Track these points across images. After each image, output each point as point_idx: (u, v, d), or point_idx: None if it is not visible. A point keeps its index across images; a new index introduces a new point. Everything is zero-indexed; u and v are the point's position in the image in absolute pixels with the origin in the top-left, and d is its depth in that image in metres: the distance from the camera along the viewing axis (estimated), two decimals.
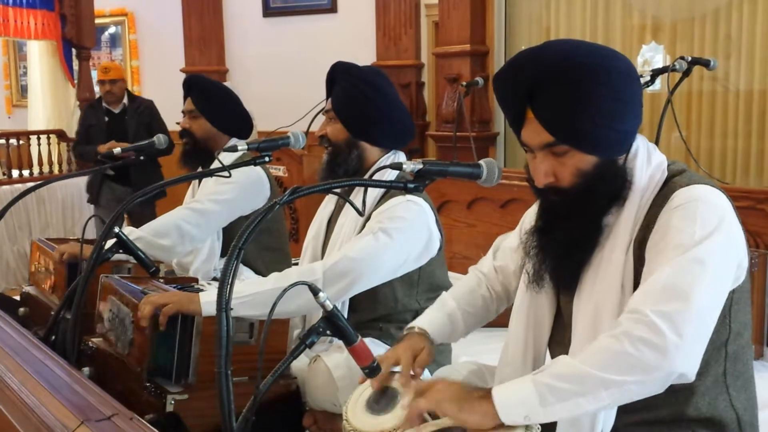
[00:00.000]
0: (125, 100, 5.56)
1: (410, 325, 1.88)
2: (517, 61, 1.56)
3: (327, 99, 2.41)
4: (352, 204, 1.66)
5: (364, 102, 2.32)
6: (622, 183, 1.56)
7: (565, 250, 1.59)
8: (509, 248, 1.93)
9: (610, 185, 1.55)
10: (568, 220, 1.57)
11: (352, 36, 6.81)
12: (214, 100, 3.07)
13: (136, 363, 2.03)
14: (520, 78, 1.53)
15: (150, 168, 5.27)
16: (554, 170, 1.55)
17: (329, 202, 2.53)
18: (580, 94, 1.49)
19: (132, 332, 2.06)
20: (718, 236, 1.45)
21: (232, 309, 1.46)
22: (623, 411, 1.52)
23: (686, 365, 1.38)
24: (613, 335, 1.40)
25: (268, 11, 7.30)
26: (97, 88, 5.83)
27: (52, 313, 2.39)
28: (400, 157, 2.39)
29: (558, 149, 1.53)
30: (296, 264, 2.79)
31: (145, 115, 5.56)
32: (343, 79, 2.36)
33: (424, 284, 2.32)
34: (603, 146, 1.53)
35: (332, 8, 6.99)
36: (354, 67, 2.38)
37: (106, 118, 5.51)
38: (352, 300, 2.27)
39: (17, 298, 3.01)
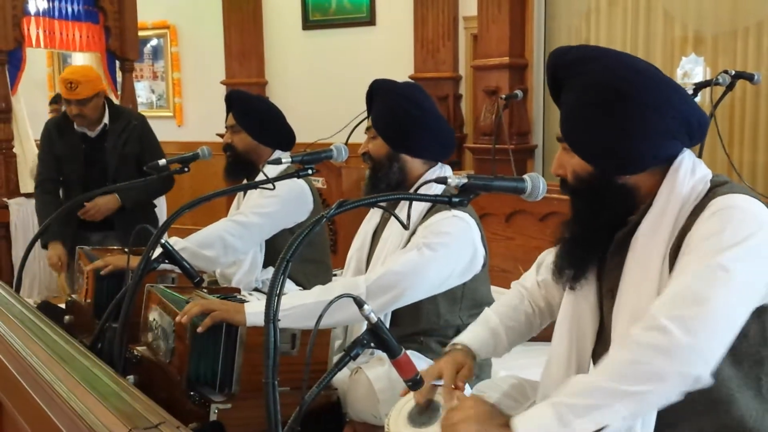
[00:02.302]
0: (106, 120, 4.00)
1: (453, 341, 1.89)
2: (552, 57, 1.65)
3: (368, 117, 2.45)
4: (397, 218, 1.68)
5: (401, 114, 2.34)
6: (621, 201, 1.59)
7: (570, 245, 1.67)
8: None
9: (600, 199, 1.60)
10: (576, 218, 1.65)
11: (391, 48, 6.85)
12: (254, 114, 3.13)
13: (176, 371, 2.06)
14: (550, 72, 1.64)
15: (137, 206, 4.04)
16: (563, 164, 1.65)
17: (374, 214, 2.55)
18: (587, 102, 1.55)
19: (173, 341, 2.09)
20: (748, 245, 1.42)
21: (279, 321, 1.48)
22: (663, 424, 1.51)
23: (699, 366, 1.36)
24: (624, 344, 1.41)
25: (308, 24, 7.37)
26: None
27: (97, 321, 2.44)
28: (447, 170, 2.41)
29: (565, 144, 1.63)
30: (336, 276, 2.81)
31: (132, 142, 4.00)
32: (379, 95, 2.39)
33: (468, 300, 2.32)
34: (598, 158, 1.58)
35: (371, 21, 7.04)
36: (390, 83, 2.41)
37: (83, 146, 4.01)
38: (394, 313, 2.28)
39: (62, 306, 3.07)
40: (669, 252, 1.53)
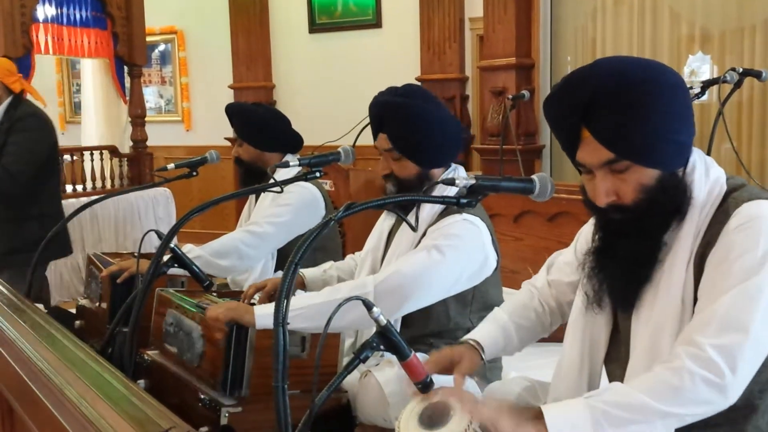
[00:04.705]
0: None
1: (462, 338, 1.88)
2: (570, 82, 1.56)
3: (375, 134, 2.33)
4: (405, 219, 1.68)
5: (428, 135, 2.28)
6: (683, 196, 1.55)
7: (626, 268, 1.59)
8: (564, 262, 1.92)
9: (672, 198, 1.54)
10: (629, 238, 1.57)
11: (397, 50, 6.86)
12: (252, 124, 3.18)
13: (208, 376, 2.06)
14: (574, 98, 1.53)
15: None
16: (615, 188, 1.54)
17: (389, 215, 2.54)
18: (636, 109, 1.49)
19: (203, 345, 2.09)
20: None
21: (288, 324, 1.48)
22: (679, 429, 1.51)
23: (738, 394, 1.42)
24: (673, 368, 1.41)
25: (314, 27, 7.38)
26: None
27: (108, 326, 2.45)
28: (460, 172, 2.40)
29: (618, 166, 1.52)
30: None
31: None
32: (396, 118, 2.29)
33: (478, 303, 2.31)
34: (663, 159, 1.53)
35: (377, 24, 7.05)
36: (401, 103, 2.30)
37: None
38: (405, 316, 2.27)
39: (72, 311, 3.08)
40: (694, 260, 1.53)
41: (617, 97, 1.49)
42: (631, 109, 1.49)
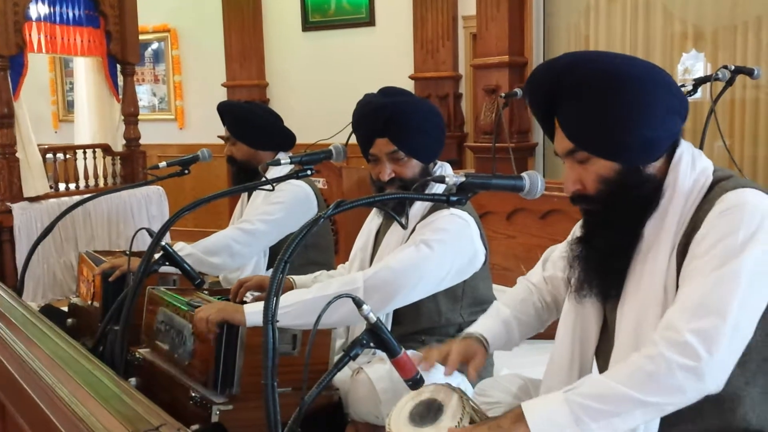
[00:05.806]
0: None
1: (468, 330, 1.87)
2: (535, 76, 1.61)
3: (370, 142, 2.30)
4: (395, 217, 1.68)
5: (429, 129, 2.30)
6: (652, 191, 1.56)
7: (603, 257, 1.61)
8: (559, 258, 1.93)
9: (635, 193, 1.55)
10: (605, 228, 1.59)
11: (390, 49, 6.86)
12: (246, 123, 3.17)
13: (199, 373, 2.07)
14: (539, 91, 1.59)
15: None
16: (580, 177, 1.58)
17: (376, 214, 2.54)
18: (592, 102, 1.52)
19: (193, 343, 2.09)
20: (757, 244, 1.43)
21: (278, 321, 1.48)
22: (667, 422, 1.51)
23: (718, 381, 1.41)
24: (649, 356, 1.41)
25: (307, 26, 7.37)
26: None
27: (100, 324, 2.45)
28: (447, 169, 2.40)
29: (579, 156, 1.57)
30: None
31: None
32: (400, 119, 2.26)
33: (468, 298, 2.32)
34: (621, 152, 1.54)
35: (370, 22, 7.04)
36: (402, 102, 2.29)
37: None
38: (396, 312, 2.28)
39: (65, 309, 3.08)
40: (677, 248, 1.52)
41: (578, 88, 1.52)
42: (589, 100, 1.52)
